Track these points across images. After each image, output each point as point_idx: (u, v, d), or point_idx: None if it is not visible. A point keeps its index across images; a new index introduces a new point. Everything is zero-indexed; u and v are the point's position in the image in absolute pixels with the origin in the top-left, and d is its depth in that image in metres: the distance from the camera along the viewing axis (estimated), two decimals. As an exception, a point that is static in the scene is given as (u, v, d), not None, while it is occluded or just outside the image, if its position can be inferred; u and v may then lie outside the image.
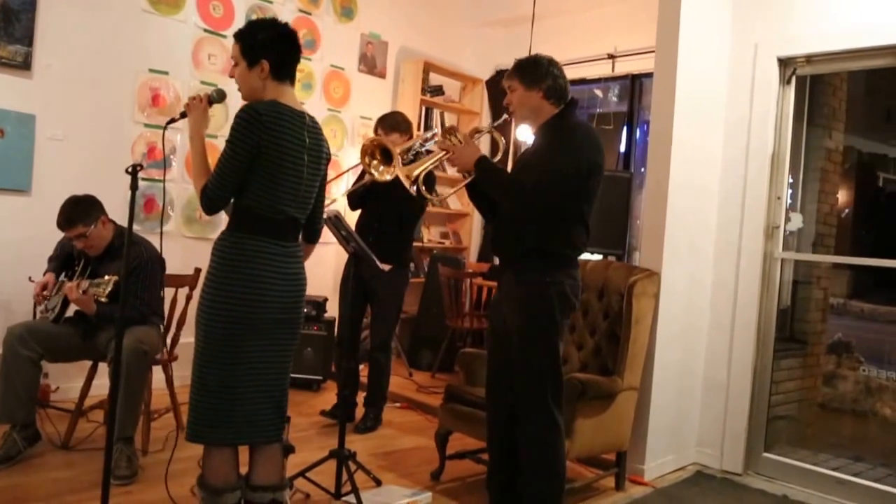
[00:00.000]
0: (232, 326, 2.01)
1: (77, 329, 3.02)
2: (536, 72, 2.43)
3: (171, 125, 2.27)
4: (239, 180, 2.00)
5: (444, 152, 2.51)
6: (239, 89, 2.14)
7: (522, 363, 2.39)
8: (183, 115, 2.18)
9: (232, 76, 2.16)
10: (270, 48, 2.07)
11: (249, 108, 2.01)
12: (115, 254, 2.98)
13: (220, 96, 2.22)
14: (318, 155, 2.17)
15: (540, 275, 2.35)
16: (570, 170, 2.31)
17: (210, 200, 2.02)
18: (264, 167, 2.00)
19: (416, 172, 2.51)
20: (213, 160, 2.11)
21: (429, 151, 3.54)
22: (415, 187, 2.52)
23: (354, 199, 3.73)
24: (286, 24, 2.16)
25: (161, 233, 2.52)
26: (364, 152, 3.21)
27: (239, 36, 2.12)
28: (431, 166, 2.61)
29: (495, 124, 2.68)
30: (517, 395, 2.41)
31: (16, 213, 3.57)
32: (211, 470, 2.07)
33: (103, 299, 2.69)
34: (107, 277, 2.72)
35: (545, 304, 2.35)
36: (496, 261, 5.38)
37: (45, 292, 3.04)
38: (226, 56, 4.30)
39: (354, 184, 3.79)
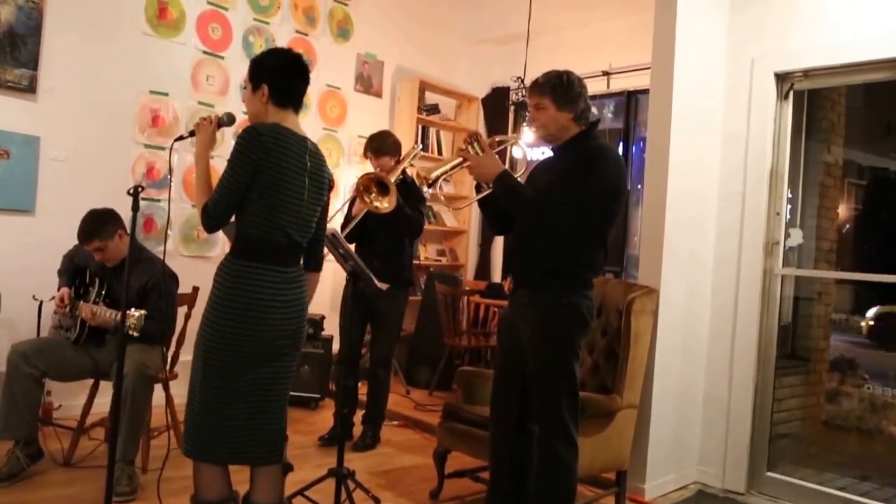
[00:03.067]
0: (230, 354, 2.02)
1: (85, 346, 3.04)
2: (570, 93, 2.37)
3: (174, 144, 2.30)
4: (238, 199, 2.02)
5: (463, 160, 2.43)
6: (246, 112, 2.18)
7: (538, 383, 2.36)
8: (191, 134, 2.21)
9: (244, 100, 2.20)
10: (272, 74, 2.11)
11: (250, 127, 2.05)
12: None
13: (229, 120, 2.24)
14: (321, 180, 2.19)
15: (557, 295, 2.32)
16: (596, 194, 2.28)
17: (210, 218, 2.04)
18: (263, 188, 2.02)
19: (433, 175, 2.49)
20: (213, 181, 2.13)
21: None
22: (429, 189, 2.54)
23: (350, 236, 3.67)
24: (298, 54, 2.20)
25: (157, 250, 2.54)
26: (360, 189, 3.36)
27: (252, 60, 2.19)
28: (450, 172, 2.60)
29: (520, 138, 2.63)
30: (533, 411, 2.39)
31: (20, 233, 3.62)
32: (202, 485, 2.08)
33: (135, 334, 2.39)
34: (136, 314, 2.38)
35: (562, 324, 2.32)
36: (494, 279, 5.40)
37: (63, 308, 3.06)
38: (224, 77, 4.40)
39: (345, 221, 3.71)
